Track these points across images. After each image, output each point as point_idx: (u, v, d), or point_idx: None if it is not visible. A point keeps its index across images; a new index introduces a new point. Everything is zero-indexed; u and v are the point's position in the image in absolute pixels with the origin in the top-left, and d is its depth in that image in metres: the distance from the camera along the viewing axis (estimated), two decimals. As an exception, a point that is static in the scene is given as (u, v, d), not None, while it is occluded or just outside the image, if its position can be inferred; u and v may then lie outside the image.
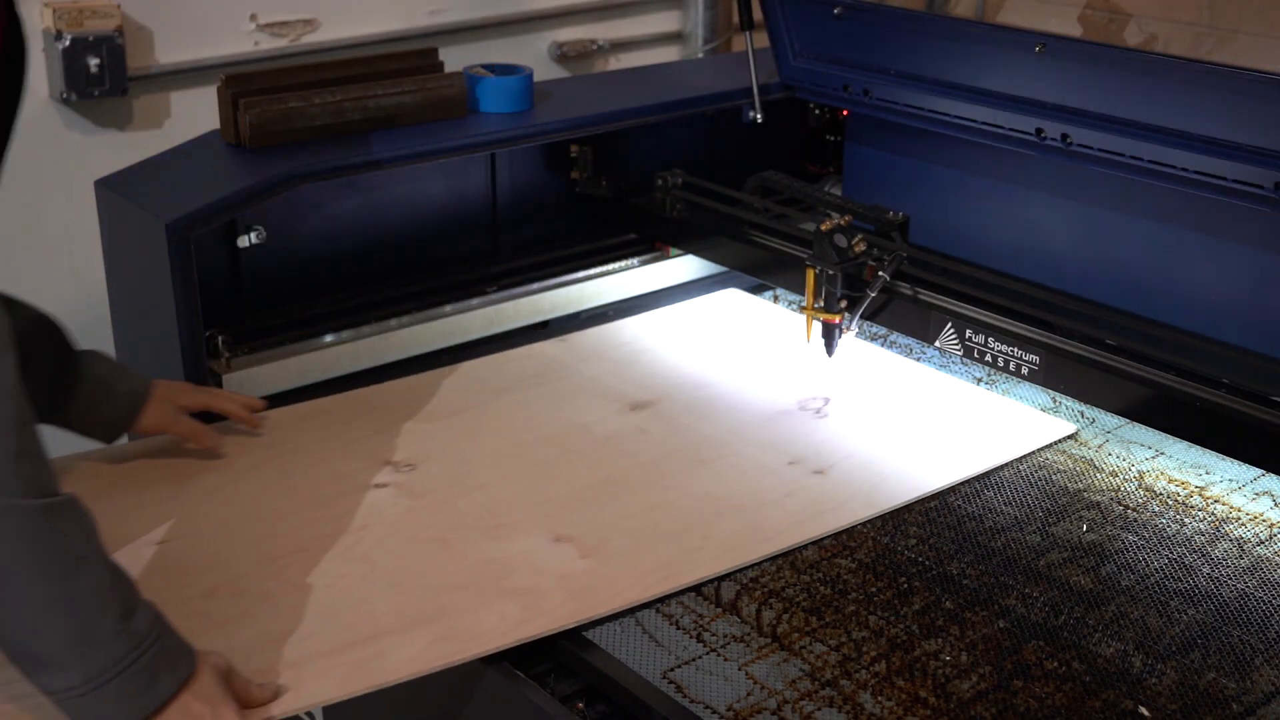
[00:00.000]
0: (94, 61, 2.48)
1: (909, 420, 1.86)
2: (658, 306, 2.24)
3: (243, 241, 1.94)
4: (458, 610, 1.43)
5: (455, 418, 1.86)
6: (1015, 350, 1.79)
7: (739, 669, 1.37)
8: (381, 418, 1.85)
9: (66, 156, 2.56)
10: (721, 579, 1.51)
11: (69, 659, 1.14)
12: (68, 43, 2.46)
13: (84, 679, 1.14)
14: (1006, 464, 1.75)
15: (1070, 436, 1.82)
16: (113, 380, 1.65)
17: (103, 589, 1.16)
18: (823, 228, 1.88)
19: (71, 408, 1.61)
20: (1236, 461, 1.73)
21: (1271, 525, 1.64)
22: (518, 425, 1.83)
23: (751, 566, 1.53)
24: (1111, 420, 1.86)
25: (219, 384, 1.87)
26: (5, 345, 1.13)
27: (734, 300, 2.26)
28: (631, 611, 1.45)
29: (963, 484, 1.71)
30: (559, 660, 1.39)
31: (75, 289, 2.57)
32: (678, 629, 1.43)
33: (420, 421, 1.84)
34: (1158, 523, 1.64)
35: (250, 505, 1.63)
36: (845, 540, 1.59)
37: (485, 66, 2.21)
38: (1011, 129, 2.01)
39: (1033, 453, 1.79)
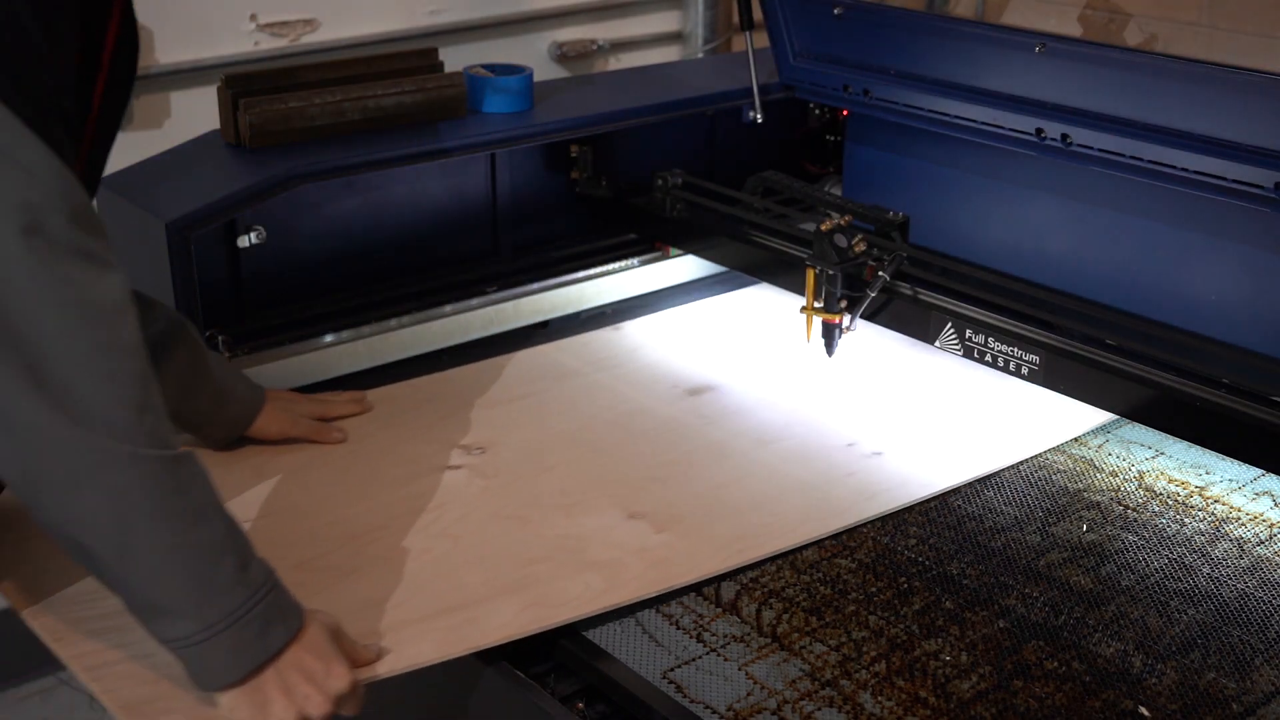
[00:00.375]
0: (94, 61, 2.48)
1: (948, 405, 1.89)
2: (658, 306, 2.24)
3: (243, 241, 1.94)
4: (542, 580, 1.48)
5: (518, 403, 1.91)
6: (1015, 350, 1.80)
7: (739, 669, 1.37)
8: (445, 404, 1.90)
9: (66, 156, 2.56)
10: (722, 578, 1.51)
11: (188, 606, 1.17)
12: (68, 43, 2.45)
13: (201, 626, 1.17)
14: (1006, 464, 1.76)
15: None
16: (232, 382, 1.70)
17: (222, 539, 1.19)
18: (823, 228, 1.88)
19: (198, 409, 1.65)
20: (1236, 461, 1.73)
21: (1271, 525, 1.64)
22: (580, 409, 1.89)
23: (762, 561, 1.54)
24: (1111, 420, 1.86)
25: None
26: (126, 305, 1.16)
27: (764, 296, 2.28)
28: (632, 611, 1.45)
29: (965, 485, 1.72)
30: (559, 660, 1.40)
31: (75, 289, 2.56)
32: (678, 629, 1.43)
33: (483, 407, 1.89)
34: (1158, 523, 1.64)
35: (327, 487, 1.68)
36: (845, 540, 1.59)
37: (485, 66, 2.21)
38: (1011, 129, 2.01)
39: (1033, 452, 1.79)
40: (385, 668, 1.32)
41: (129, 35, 1.35)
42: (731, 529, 1.59)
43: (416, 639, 1.37)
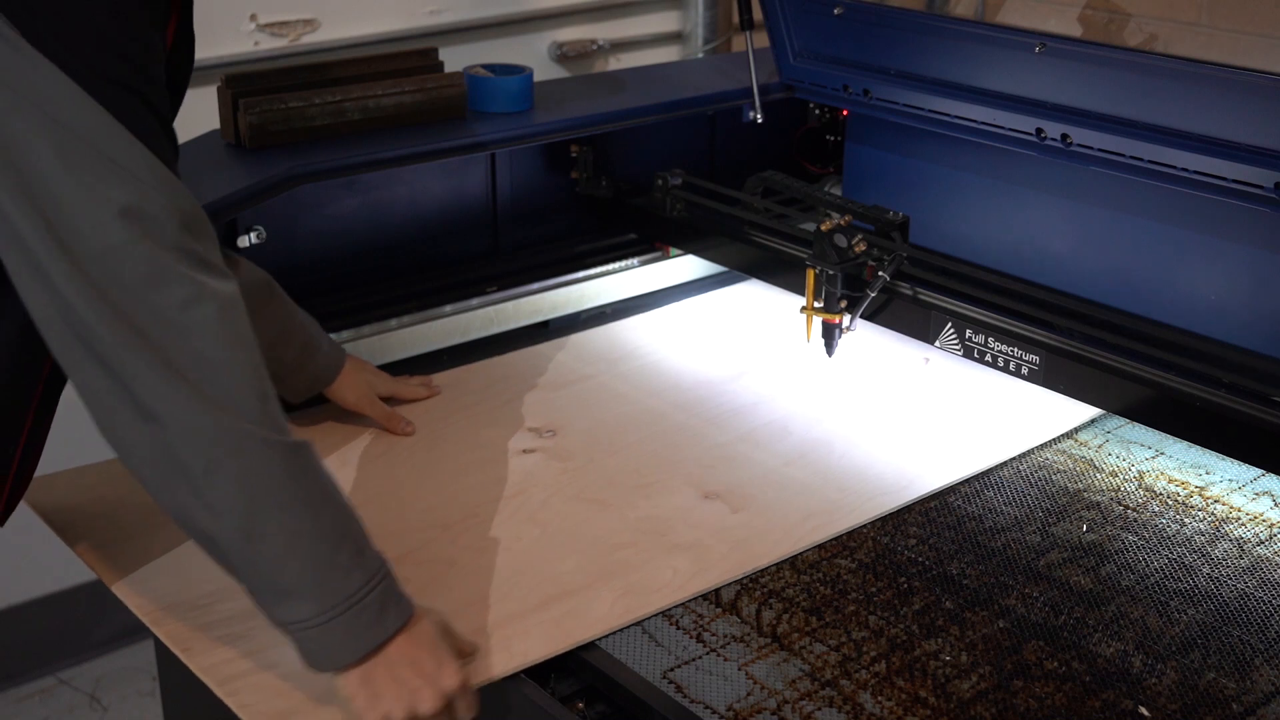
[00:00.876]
0: (94, 61, 2.48)
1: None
2: (658, 306, 2.24)
3: (243, 241, 1.94)
4: (632, 566, 1.52)
5: (580, 385, 1.96)
6: (1015, 350, 1.80)
7: (739, 669, 1.37)
8: (508, 388, 1.94)
9: (66, 156, 2.56)
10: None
11: (310, 589, 1.19)
12: (68, 43, 2.45)
13: (320, 609, 1.20)
14: (1006, 463, 1.76)
15: (1070, 435, 1.83)
16: (319, 339, 1.75)
17: (342, 525, 1.23)
18: (823, 228, 1.88)
19: (285, 359, 1.70)
20: (1236, 461, 1.73)
21: (1271, 525, 1.64)
22: (641, 390, 1.94)
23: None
24: (1112, 420, 1.86)
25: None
26: (239, 300, 1.19)
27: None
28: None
29: (963, 484, 1.72)
30: (559, 660, 1.39)
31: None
32: (678, 629, 1.43)
33: (546, 390, 1.94)
34: (1158, 523, 1.64)
35: (410, 473, 1.71)
36: (845, 540, 1.59)
37: (485, 66, 2.21)
38: (1011, 129, 2.01)
39: (1033, 452, 1.79)
40: (499, 667, 1.34)
41: (187, 36, 1.37)
42: (803, 507, 1.64)
43: (524, 635, 1.39)
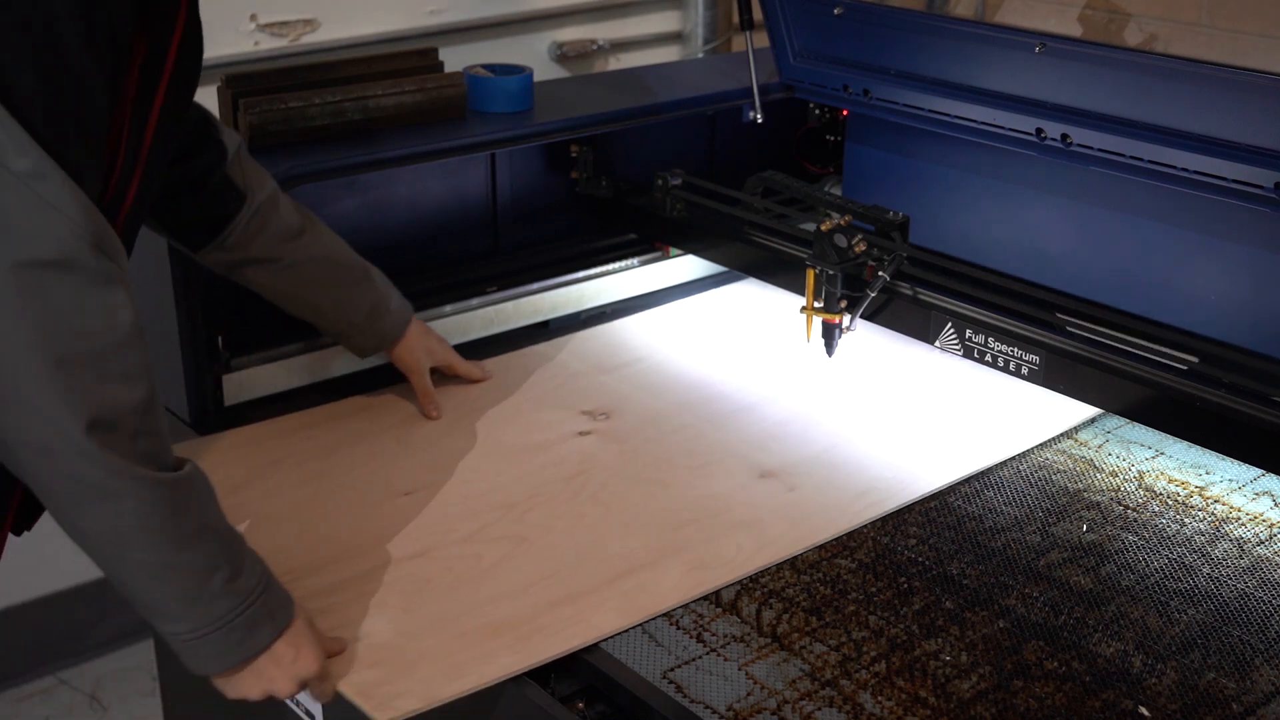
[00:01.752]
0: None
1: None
2: (658, 306, 2.24)
3: (243, 241, 1.93)
4: (697, 542, 1.57)
5: (629, 368, 2.02)
6: (1015, 350, 1.79)
7: (739, 669, 1.37)
8: (557, 371, 2.00)
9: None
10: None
11: (180, 613, 1.25)
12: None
13: (191, 629, 1.26)
14: (1006, 463, 1.76)
15: (1070, 435, 1.83)
16: (386, 302, 1.83)
17: (214, 556, 1.26)
18: (823, 228, 1.88)
19: (354, 321, 1.80)
20: (1236, 461, 1.73)
21: (1271, 525, 1.64)
22: (690, 373, 1.99)
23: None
24: (1112, 420, 1.86)
25: (218, 385, 1.87)
26: (140, 328, 1.19)
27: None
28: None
29: (963, 484, 1.72)
30: (559, 660, 1.39)
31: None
32: (678, 629, 1.43)
33: (596, 374, 2.00)
34: (1158, 523, 1.64)
35: (473, 454, 1.76)
36: (845, 540, 1.59)
37: (485, 66, 2.21)
38: (1011, 129, 2.01)
39: (1033, 452, 1.79)
40: (578, 639, 1.39)
41: (194, 34, 1.37)
42: (857, 484, 1.69)
43: (599, 607, 1.44)
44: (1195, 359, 1.68)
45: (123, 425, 1.17)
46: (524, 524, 1.60)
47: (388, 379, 1.96)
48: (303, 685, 1.32)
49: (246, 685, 1.31)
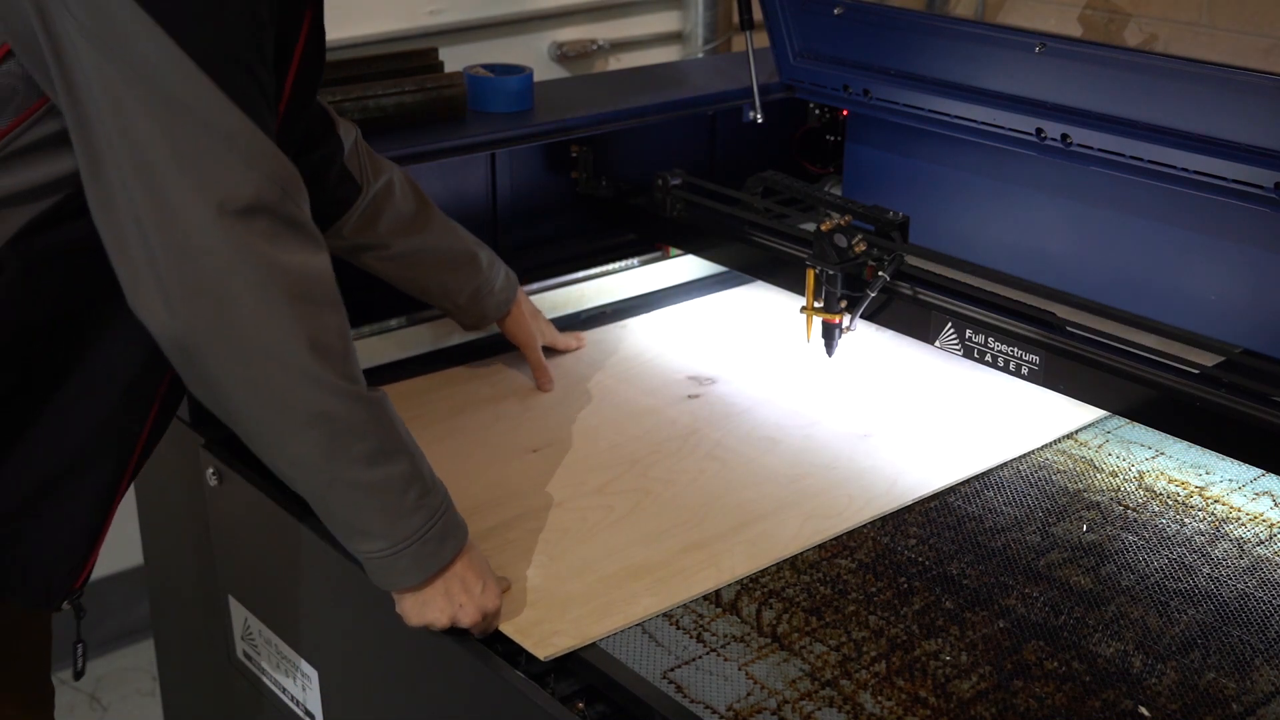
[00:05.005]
0: (94, 61, 2.48)
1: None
2: (658, 306, 2.24)
3: (243, 241, 1.93)
4: (810, 494, 1.67)
5: (728, 339, 2.10)
6: (1015, 350, 1.79)
7: (739, 669, 1.37)
8: (658, 342, 2.10)
9: (67, 156, 2.56)
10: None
11: (381, 529, 1.32)
12: (68, 43, 2.45)
13: (390, 544, 1.33)
14: (1007, 463, 1.76)
15: (1070, 435, 1.83)
16: (492, 281, 1.90)
17: (410, 471, 1.33)
18: (823, 228, 1.88)
19: (458, 301, 1.89)
20: (1236, 461, 1.73)
21: (1271, 525, 1.64)
22: (782, 343, 2.08)
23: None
24: (1112, 420, 1.86)
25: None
26: (315, 269, 1.26)
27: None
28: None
29: (963, 484, 1.72)
30: (559, 660, 1.39)
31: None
32: (678, 629, 1.43)
33: (698, 343, 2.09)
34: (1158, 523, 1.64)
35: (591, 416, 1.86)
36: (845, 540, 1.59)
37: (485, 66, 2.21)
38: (1011, 129, 2.01)
39: (1033, 453, 1.79)
40: (713, 581, 1.48)
41: (317, 34, 1.42)
42: (940, 451, 1.77)
43: (728, 553, 1.54)
44: (1195, 359, 1.68)
45: (334, 348, 1.25)
46: (648, 478, 1.70)
47: (391, 378, 1.96)
48: (485, 618, 1.38)
49: (435, 608, 1.36)
